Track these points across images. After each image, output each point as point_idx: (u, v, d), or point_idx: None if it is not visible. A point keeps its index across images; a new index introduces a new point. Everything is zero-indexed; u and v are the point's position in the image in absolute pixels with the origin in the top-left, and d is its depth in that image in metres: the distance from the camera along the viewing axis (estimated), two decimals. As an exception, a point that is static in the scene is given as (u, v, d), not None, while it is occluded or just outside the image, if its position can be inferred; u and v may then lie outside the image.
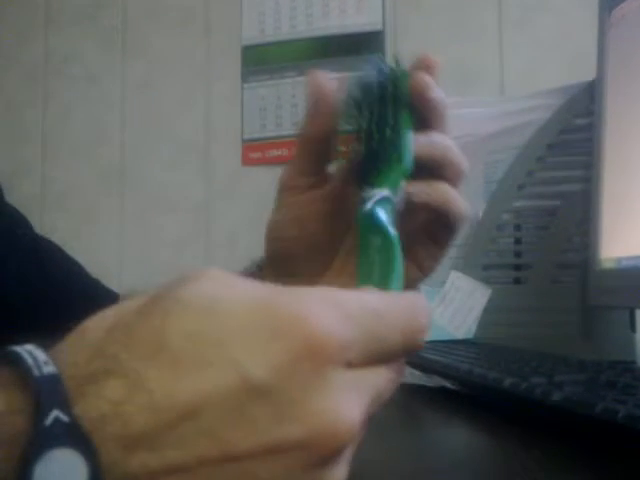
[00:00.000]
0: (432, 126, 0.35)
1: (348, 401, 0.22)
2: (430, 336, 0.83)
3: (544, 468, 0.32)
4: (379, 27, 1.65)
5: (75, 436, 0.19)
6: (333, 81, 0.35)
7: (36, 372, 0.20)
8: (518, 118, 0.83)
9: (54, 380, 0.20)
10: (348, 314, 0.23)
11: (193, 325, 0.21)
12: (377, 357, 0.24)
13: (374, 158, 0.32)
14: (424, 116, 0.35)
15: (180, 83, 1.72)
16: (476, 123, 0.88)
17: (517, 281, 0.79)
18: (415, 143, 0.34)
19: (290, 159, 0.39)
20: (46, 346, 0.21)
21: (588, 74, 0.72)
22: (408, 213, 0.34)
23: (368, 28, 1.66)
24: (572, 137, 0.76)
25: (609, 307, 0.68)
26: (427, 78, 0.35)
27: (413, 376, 0.59)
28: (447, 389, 0.52)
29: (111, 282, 0.60)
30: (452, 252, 0.88)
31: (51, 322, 0.22)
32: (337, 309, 0.22)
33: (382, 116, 0.33)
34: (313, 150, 0.37)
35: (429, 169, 0.35)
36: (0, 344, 0.22)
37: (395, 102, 0.33)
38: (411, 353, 0.26)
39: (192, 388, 0.20)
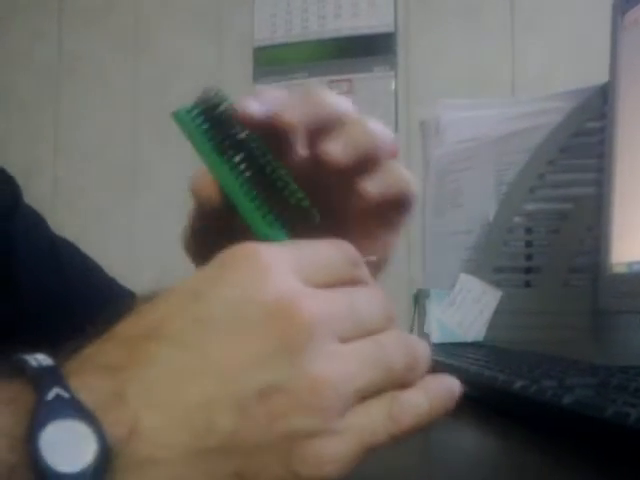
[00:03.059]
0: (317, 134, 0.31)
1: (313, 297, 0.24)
2: (439, 338, 0.83)
3: (554, 471, 0.32)
4: (391, 29, 1.65)
5: (79, 410, 0.20)
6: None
7: (34, 364, 0.21)
8: (530, 121, 0.83)
9: (52, 368, 0.21)
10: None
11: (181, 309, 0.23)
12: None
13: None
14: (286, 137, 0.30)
15: (192, 84, 1.73)
16: (488, 125, 0.88)
17: (528, 284, 0.79)
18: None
19: None
20: (59, 352, 0.22)
21: (600, 77, 0.72)
22: (362, 209, 0.32)
23: (380, 30, 1.66)
24: (584, 140, 0.75)
25: (620, 311, 0.67)
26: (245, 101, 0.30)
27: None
28: (456, 391, 0.51)
29: (122, 281, 0.60)
30: (463, 254, 0.88)
31: (69, 322, 0.23)
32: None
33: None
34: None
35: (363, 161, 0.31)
36: (20, 344, 0.23)
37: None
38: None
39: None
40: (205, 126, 0.31)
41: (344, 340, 0.24)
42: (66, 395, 0.20)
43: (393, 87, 1.65)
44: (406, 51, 1.65)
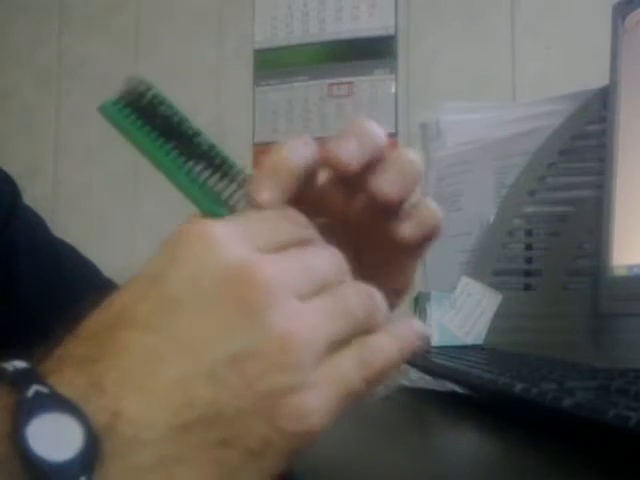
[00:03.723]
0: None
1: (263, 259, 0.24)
2: (439, 341, 0.83)
3: (554, 474, 0.32)
4: (391, 32, 1.66)
5: (60, 402, 0.21)
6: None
7: (10, 368, 0.22)
8: (530, 124, 0.83)
9: (28, 369, 0.22)
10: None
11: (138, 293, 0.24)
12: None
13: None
14: None
15: (192, 86, 1.73)
16: (488, 128, 0.88)
17: (527, 287, 0.79)
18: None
19: None
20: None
21: (601, 80, 0.72)
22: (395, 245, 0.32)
23: (380, 32, 1.66)
24: (584, 143, 0.76)
25: (620, 314, 0.67)
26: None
27: (423, 381, 0.59)
28: (457, 394, 0.51)
29: (122, 283, 0.60)
30: (462, 257, 0.88)
31: (68, 324, 0.24)
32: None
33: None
34: None
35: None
36: (18, 345, 0.23)
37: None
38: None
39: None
40: (134, 115, 0.31)
41: (303, 297, 0.25)
42: (45, 390, 0.21)
43: (393, 90, 1.66)
44: (406, 54, 1.65)
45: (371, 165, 0.30)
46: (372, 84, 1.66)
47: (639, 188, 0.63)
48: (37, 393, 0.20)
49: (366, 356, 0.25)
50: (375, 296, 0.27)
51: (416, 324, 0.28)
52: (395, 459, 0.36)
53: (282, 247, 0.26)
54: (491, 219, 0.84)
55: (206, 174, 0.30)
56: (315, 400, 0.23)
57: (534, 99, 0.89)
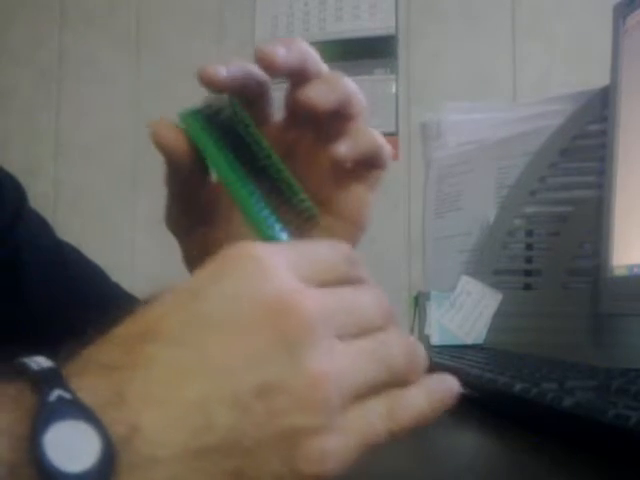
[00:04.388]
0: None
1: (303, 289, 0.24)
2: (439, 341, 0.83)
3: (554, 474, 0.32)
4: (392, 32, 1.66)
5: (81, 410, 0.20)
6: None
7: (35, 367, 0.21)
8: (531, 124, 0.83)
9: (53, 370, 0.21)
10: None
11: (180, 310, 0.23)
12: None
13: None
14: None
15: (193, 85, 1.72)
16: (489, 128, 0.88)
17: (528, 287, 0.79)
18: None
19: None
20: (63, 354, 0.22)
21: (601, 80, 0.72)
22: (337, 169, 0.34)
23: (381, 32, 1.66)
24: (585, 143, 0.76)
25: (620, 314, 0.67)
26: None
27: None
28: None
29: (123, 284, 0.60)
30: (463, 257, 0.88)
31: (74, 326, 0.23)
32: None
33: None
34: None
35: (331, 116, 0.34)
36: (24, 349, 0.23)
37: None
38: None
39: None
40: (211, 128, 0.31)
41: (343, 337, 0.24)
42: (68, 396, 0.20)
43: (394, 90, 1.66)
44: (407, 54, 1.65)
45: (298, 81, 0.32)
46: (373, 84, 1.66)
47: (639, 188, 0.63)
48: (59, 398, 0.20)
49: (396, 409, 0.25)
50: (416, 349, 0.26)
51: (451, 381, 0.27)
52: (394, 458, 0.36)
53: (332, 281, 0.25)
54: (491, 219, 0.84)
55: (269, 198, 0.30)
56: (337, 444, 0.23)
57: (535, 99, 0.89)
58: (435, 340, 0.80)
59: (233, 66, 0.34)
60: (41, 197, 1.72)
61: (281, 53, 0.32)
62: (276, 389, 0.22)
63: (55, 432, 0.19)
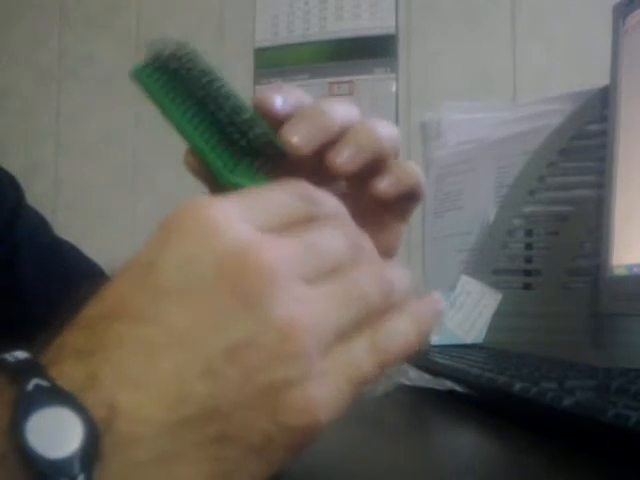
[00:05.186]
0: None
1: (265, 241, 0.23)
2: (439, 340, 0.83)
3: (553, 473, 0.32)
4: (392, 31, 1.66)
5: (60, 396, 0.20)
6: None
7: (11, 359, 0.21)
8: (530, 123, 0.83)
9: (29, 361, 0.21)
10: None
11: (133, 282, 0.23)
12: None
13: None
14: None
15: (193, 85, 1.73)
16: (488, 128, 0.88)
17: (527, 286, 0.79)
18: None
19: None
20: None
21: (601, 80, 0.72)
22: (375, 204, 0.34)
23: (381, 32, 1.66)
24: (584, 143, 0.76)
25: (620, 314, 0.67)
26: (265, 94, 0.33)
27: (422, 379, 0.59)
28: (456, 393, 0.51)
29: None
30: (462, 256, 0.88)
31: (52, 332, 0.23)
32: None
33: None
34: None
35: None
36: (21, 346, 0.23)
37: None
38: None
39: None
40: (164, 78, 0.30)
41: (310, 281, 0.23)
42: (45, 384, 0.20)
43: (394, 89, 1.65)
44: (407, 53, 1.65)
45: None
46: (373, 83, 1.65)
47: (639, 188, 0.63)
48: (37, 387, 0.20)
49: (380, 340, 0.24)
50: (392, 276, 0.25)
51: (435, 300, 0.26)
52: (394, 458, 0.36)
53: (289, 225, 0.24)
54: (491, 218, 0.84)
55: (232, 143, 0.28)
56: (321, 391, 0.22)
57: (534, 99, 0.90)
58: (435, 340, 0.80)
59: (290, 96, 0.33)
60: (41, 197, 1.72)
61: (281, 103, 0.32)
62: (246, 348, 0.21)
63: (36, 420, 0.19)
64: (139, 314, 0.22)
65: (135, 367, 0.21)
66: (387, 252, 0.35)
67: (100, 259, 0.59)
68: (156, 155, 1.77)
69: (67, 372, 0.21)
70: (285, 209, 0.25)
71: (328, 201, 0.26)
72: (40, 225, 0.54)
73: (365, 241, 0.26)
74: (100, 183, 1.78)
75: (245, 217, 0.24)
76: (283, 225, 0.24)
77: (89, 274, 0.55)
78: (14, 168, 0.53)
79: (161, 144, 1.77)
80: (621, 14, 0.68)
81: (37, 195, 0.57)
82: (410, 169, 0.34)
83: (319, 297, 0.23)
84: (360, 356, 0.23)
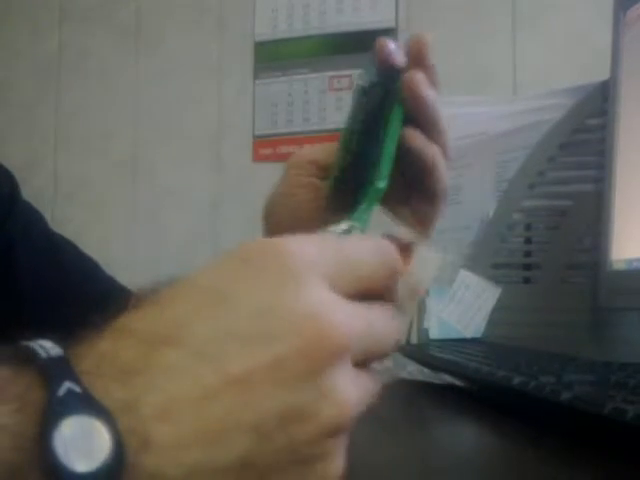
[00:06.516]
0: (426, 128, 0.37)
1: (334, 313, 0.23)
2: (438, 334, 0.83)
3: (552, 466, 0.32)
4: (392, 24, 1.65)
5: (91, 405, 0.19)
6: None
7: (44, 354, 0.20)
8: (530, 117, 0.83)
9: (62, 360, 0.20)
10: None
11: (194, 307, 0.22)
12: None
13: (351, 177, 0.32)
14: (418, 116, 0.36)
15: (192, 79, 1.72)
16: (488, 122, 0.88)
17: (527, 281, 0.79)
18: (405, 147, 0.35)
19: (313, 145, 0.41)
20: (64, 340, 0.21)
21: (601, 74, 0.72)
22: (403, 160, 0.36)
23: (381, 25, 1.65)
24: (584, 137, 0.75)
25: (619, 308, 0.67)
26: (419, 76, 0.35)
27: (421, 373, 0.59)
28: (455, 387, 0.52)
29: (121, 277, 0.60)
30: (462, 251, 0.88)
31: (66, 321, 0.23)
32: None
33: (367, 127, 0.32)
34: None
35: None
36: (16, 341, 0.22)
37: (383, 108, 0.33)
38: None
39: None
40: (367, 86, 0.34)
41: (356, 361, 0.23)
42: (77, 389, 0.19)
43: (394, 83, 1.65)
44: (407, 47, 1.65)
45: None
46: (372, 77, 1.65)
47: (639, 182, 0.63)
48: (69, 391, 0.19)
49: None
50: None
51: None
52: (392, 451, 0.36)
53: (362, 291, 0.24)
54: (491, 213, 0.84)
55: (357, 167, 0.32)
56: (340, 464, 0.23)
57: (535, 93, 0.89)
58: (434, 334, 0.80)
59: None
60: (41, 190, 1.72)
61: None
62: (300, 417, 0.21)
63: (65, 429, 0.19)
64: (199, 347, 0.21)
65: (181, 403, 0.20)
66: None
67: (99, 253, 0.59)
68: (156, 149, 1.76)
69: (104, 388, 0.20)
70: (368, 274, 0.25)
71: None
72: (35, 219, 0.54)
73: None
74: (99, 177, 1.78)
75: (326, 273, 0.23)
76: (359, 290, 0.24)
77: (83, 269, 0.55)
78: (13, 162, 0.53)
79: (160, 138, 1.77)
80: (622, 8, 0.68)
81: (37, 189, 0.57)
82: (435, 152, 0.38)
83: (362, 383, 0.24)
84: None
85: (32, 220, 0.53)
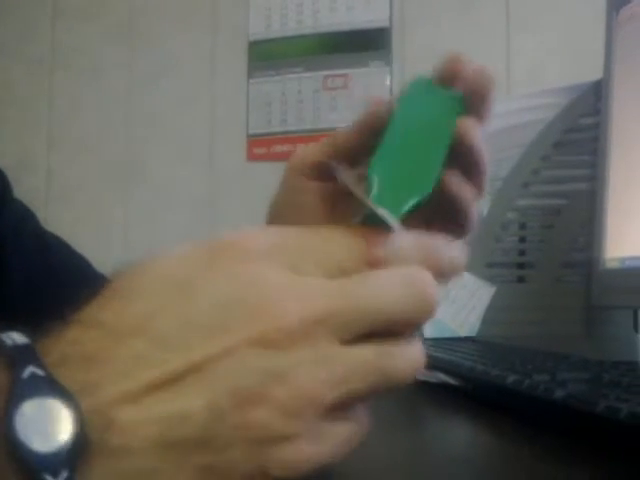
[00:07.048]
0: (467, 170, 0.34)
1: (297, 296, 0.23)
2: (432, 333, 0.83)
3: (546, 465, 0.32)
4: (386, 24, 1.65)
5: (53, 387, 0.20)
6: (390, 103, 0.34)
7: (9, 342, 0.21)
8: (524, 116, 0.83)
9: (27, 346, 0.21)
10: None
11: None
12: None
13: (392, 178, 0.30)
14: (461, 159, 0.33)
15: (186, 78, 1.72)
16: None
17: (521, 280, 0.79)
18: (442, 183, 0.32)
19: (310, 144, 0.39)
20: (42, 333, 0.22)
21: (594, 74, 0.72)
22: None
23: (375, 25, 1.65)
24: (578, 136, 0.76)
25: (613, 307, 0.68)
26: (471, 124, 0.32)
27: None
28: (449, 385, 0.52)
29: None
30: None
31: (57, 316, 0.23)
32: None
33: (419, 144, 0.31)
34: (339, 153, 0.37)
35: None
36: (19, 328, 0.22)
37: (436, 133, 0.32)
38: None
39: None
40: (419, 99, 0.32)
41: (343, 339, 0.23)
42: (41, 373, 0.20)
43: (388, 82, 1.65)
44: (401, 46, 1.65)
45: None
46: (367, 76, 1.65)
47: (632, 181, 0.63)
48: (32, 375, 0.20)
49: (363, 422, 0.25)
50: (420, 356, 0.25)
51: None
52: (386, 450, 0.36)
53: (328, 275, 0.24)
54: (485, 212, 0.84)
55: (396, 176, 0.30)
56: (310, 453, 0.22)
57: (528, 92, 0.89)
58: (428, 333, 0.80)
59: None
60: (34, 190, 1.71)
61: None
62: (255, 398, 0.22)
63: (27, 410, 0.19)
64: (161, 339, 0.22)
65: (144, 386, 0.21)
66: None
67: (93, 251, 0.59)
68: (149, 148, 1.76)
69: (69, 374, 0.21)
70: (337, 256, 0.25)
71: (395, 246, 0.26)
72: (26, 217, 0.53)
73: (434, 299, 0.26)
74: (92, 176, 1.77)
75: (295, 264, 0.24)
76: (333, 274, 0.24)
77: (74, 267, 0.55)
78: (6, 161, 0.53)
79: (154, 137, 1.76)
80: (614, 7, 0.68)
81: (29, 188, 0.57)
82: (469, 192, 0.36)
83: (345, 361, 0.23)
84: (354, 431, 0.24)
85: (24, 218, 0.53)
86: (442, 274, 0.27)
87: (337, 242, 0.26)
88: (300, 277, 0.24)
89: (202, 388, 0.22)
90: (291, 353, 0.22)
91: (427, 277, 0.25)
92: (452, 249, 0.27)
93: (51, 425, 0.19)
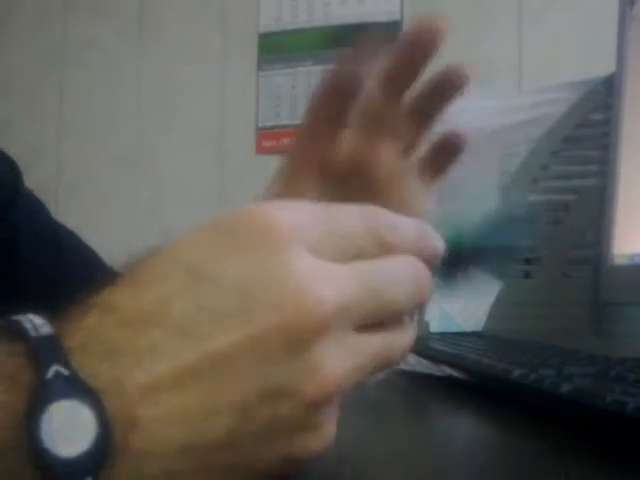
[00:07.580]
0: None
1: (321, 287, 0.22)
2: (438, 327, 0.83)
3: (552, 459, 0.32)
4: (397, 17, 1.65)
5: (78, 388, 0.19)
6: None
7: (32, 332, 0.20)
8: (534, 111, 0.83)
9: (51, 339, 0.20)
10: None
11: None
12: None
13: None
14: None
15: (196, 70, 1.72)
16: (492, 115, 0.88)
17: (528, 275, 0.79)
18: None
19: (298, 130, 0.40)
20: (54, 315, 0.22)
21: (606, 69, 0.72)
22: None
23: (385, 18, 1.65)
24: (588, 132, 0.75)
25: (620, 303, 0.67)
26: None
27: (421, 365, 0.59)
28: (455, 379, 0.52)
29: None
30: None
31: (69, 307, 0.23)
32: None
33: None
34: (319, 122, 0.38)
35: None
36: (39, 312, 0.22)
37: None
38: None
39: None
40: None
41: (360, 327, 0.23)
42: (65, 372, 0.20)
43: (398, 76, 1.65)
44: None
45: None
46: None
47: (642, 177, 0.63)
48: (57, 374, 0.19)
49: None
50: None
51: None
52: (392, 443, 0.36)
53: (353, 255, 0.24)
54: (494, 207, 0.84)
55: None
56: (331, 436, 0.23)
57: (539, 86, 0.89)
58: (435, 327, 0.80)
59: None
60: (44, 180, 1.72)
61: None
62: (281, 393, 0.21)
63: (52, 413, 0.19)
64: (181, 328, 0.21)
65: (165, 381, 0.20)
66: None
67: (102, 243, 0.59)
68: (159, 140, 1.76)
69: (92, 369, 0.20)
70: (354, 238, 0.24)
71: (403, 233, 0.26)
72: (38, 208, 0.54)
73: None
74: (103, 167, 1.78)
75: (313, 242, 0.23)
76: (349, 254, 0.24)
77: (85, 260, 0.55)
78: (17, 152, 0.53)
79: (163, 129, 1.77)
80: (628, 2, 0.67)
81: (40, 179, 0.58)
82: None
83: (360, 350, 0.23)
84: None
85: (35, 209, 0.53)
86: (429, 262, 0.27)
87: (356, 222, 0.25)
88: (323, 263, 0.23)
89: (227, 386, 0.21)
90: (317, 343, 0.21)
91: (424, 266, 0.26)
92: (436, 237, 0.27)
93: (76, 429, 0.19)
